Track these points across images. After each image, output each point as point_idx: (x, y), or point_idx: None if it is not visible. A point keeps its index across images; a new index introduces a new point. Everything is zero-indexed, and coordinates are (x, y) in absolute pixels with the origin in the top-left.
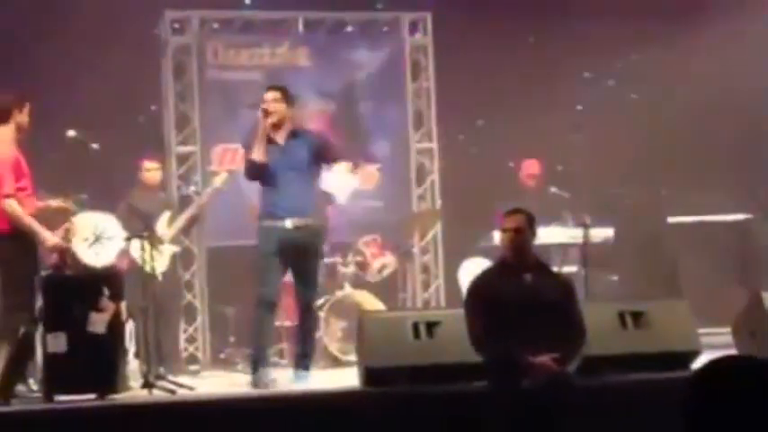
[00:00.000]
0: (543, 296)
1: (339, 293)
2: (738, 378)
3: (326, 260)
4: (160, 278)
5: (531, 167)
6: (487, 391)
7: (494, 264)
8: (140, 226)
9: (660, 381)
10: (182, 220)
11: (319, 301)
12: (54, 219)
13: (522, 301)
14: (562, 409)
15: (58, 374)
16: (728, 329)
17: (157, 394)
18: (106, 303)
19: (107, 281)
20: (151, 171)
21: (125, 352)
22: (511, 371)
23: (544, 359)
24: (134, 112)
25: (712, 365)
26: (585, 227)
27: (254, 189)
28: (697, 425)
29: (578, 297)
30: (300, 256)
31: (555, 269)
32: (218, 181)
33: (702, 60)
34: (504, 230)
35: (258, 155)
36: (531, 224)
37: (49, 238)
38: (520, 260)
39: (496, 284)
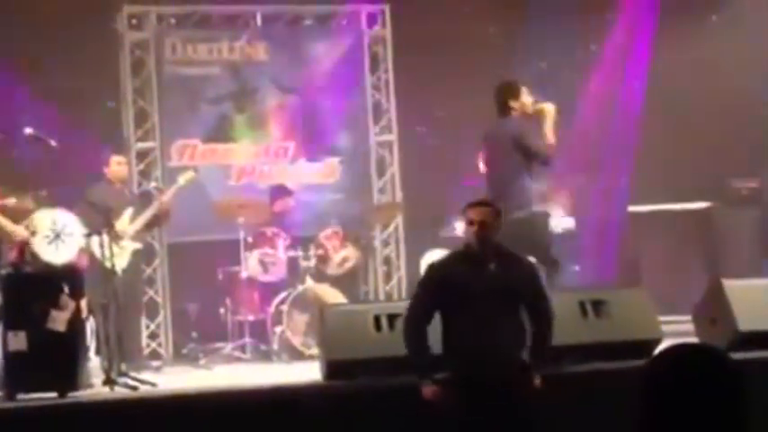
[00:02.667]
0: (509, 283)
1: (301, 287)
2: (688, 366)
3: (288, 254)
4: (120, 274)
5: None
6: (445, 382)
7: (457, 250)
8: (101, 222)
9: (621, 369)
10: (144, 218)
11: (281, 295)
12: (12, 217)
13: (488, 289)
14: (522, 400)
15: (19, 373)
16: (690, 317)
17: (119, 391)
18: (66, 301)
19: (67, 278)
20: (121, 165)
21: (86, 349)
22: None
23: (429, 393)
24: (92, 108)
25: (663, 355)
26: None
27: (217, 186)
28: (650, 414)
29: (543, 282)
30: None
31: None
32: (182, 179)
33: (663, 48)
34: (470, 223)
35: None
36: (497, 216)
37: (18, 231)
38: (484, 250)
39: (455, 269)
